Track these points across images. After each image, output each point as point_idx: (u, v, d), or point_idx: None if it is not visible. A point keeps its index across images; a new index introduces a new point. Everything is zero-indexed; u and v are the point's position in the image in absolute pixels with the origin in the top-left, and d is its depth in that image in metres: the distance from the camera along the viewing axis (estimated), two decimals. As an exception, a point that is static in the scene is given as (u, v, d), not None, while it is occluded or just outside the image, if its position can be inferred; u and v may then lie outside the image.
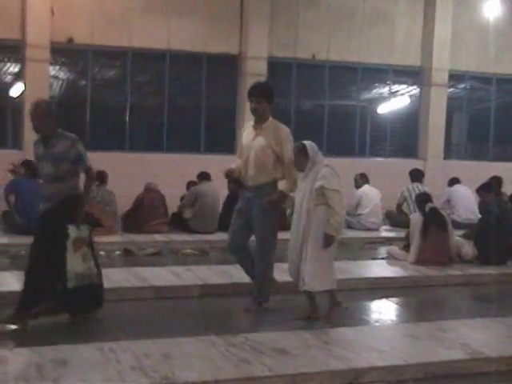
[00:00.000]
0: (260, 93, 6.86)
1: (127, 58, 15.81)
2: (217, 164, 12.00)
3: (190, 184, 12.86)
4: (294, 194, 6.80)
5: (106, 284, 7.26)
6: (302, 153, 6.55)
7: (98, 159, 13.33)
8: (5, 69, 15.53)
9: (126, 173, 14.17)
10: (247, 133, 7.04)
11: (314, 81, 17.73)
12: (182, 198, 12.74)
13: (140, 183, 12.31)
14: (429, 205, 9.66)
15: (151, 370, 4.72)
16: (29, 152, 13.86)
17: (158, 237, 11.39)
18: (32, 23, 14.67)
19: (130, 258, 9.81)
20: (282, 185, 6.87)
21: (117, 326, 6.23)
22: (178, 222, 12.20)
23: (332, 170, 6.56)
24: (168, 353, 5.10)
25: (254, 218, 6.85)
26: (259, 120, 6.89)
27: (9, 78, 15.72)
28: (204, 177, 12.37)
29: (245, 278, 7.39)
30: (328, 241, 6.40)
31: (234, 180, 7.50)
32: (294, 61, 17.22)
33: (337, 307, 6.82)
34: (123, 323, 6.40)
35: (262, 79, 13.93)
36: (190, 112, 16.60)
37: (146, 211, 11.71)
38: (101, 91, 16.11)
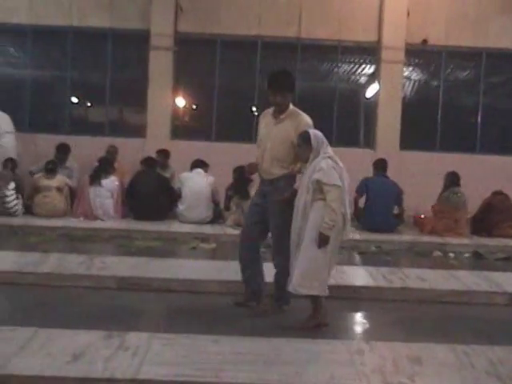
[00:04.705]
0: (284, 86, 6.27)
1: (481, 58, 15.54)
2: None
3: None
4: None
5: (456, 285, 7.30)
6: (304, 142, 5.92)
7: (448, 160, 13.61)
8: (360, 70, 16.06)
9: (475, 175, 13.89)
10: (266, 122, 6.48)
11: None
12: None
13: (486, 186, 12.08)
14: None
15: (507, 377, 4.61)
16: (379, 151, 14.38)
17: (509, 241, 11.05)
18: (388, 25, 15.02)
19: (479, 261, 9.68)
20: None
21: (470, 329, 6.19)
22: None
23: (333, 163, 5.83)
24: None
25: (269, 215, 6.33)
26: (279, 108, 6.35)
27: (363, 79, 16.24)
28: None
29: None
30: (322, 240, 5.70)
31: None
32: None
33: (315, 319, 5.95)
34: (475, 327, 6.33)
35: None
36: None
37: (495, 214, 11.48)
38: (453, 92, 16.00)
